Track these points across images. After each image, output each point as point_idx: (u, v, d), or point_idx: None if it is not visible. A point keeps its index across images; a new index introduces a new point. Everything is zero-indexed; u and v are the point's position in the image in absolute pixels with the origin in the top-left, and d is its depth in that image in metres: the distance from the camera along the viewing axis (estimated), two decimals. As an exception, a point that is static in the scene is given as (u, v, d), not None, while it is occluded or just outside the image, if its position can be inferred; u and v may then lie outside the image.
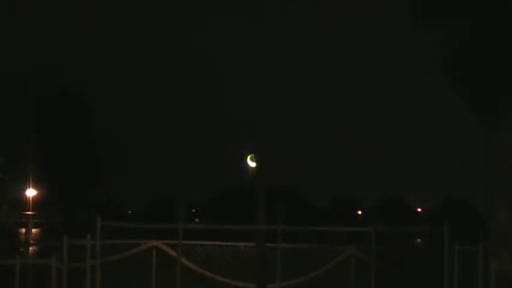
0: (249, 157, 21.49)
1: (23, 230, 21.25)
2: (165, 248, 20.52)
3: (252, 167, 21.56)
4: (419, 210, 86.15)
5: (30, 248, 19.84)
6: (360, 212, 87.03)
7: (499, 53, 18.60)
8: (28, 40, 49.24)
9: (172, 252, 20.40)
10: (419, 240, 36.89)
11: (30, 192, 51.23)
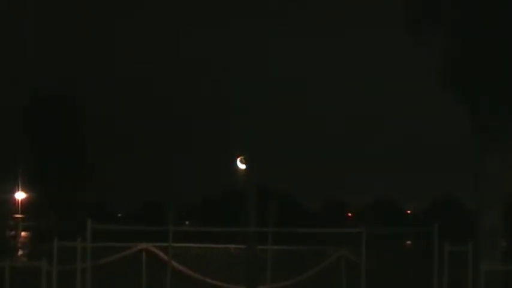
0: (238, 159, 21.44)
1: (12, 233, 21.20)
2: (155, 250, 20.45)
3: (241, 169, 21.49)
4: (408, 212, 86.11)
5: (20, 252, 19.80)
6: (349, 214, 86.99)
7: (498, 57, 18.63)
8: (28, 40, 49.03)
9: (162, 255, 20.33)
10: (409, 242, 36.90)
11: (19, 195, 50.97)
